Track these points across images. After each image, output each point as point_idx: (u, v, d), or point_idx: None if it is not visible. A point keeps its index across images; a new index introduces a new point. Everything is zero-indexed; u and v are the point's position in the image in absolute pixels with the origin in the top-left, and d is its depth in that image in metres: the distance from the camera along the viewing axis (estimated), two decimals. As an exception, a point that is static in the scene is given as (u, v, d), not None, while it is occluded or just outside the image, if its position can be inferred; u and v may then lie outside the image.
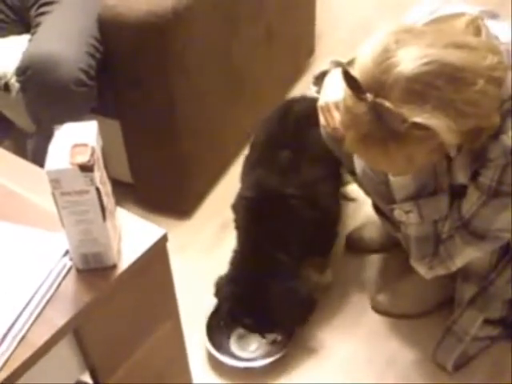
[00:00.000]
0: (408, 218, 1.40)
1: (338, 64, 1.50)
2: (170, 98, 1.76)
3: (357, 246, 1.85)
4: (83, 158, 0.94)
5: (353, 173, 1.77)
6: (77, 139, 0.97)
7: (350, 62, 1.34)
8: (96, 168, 0.95)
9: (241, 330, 1.67)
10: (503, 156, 1.21)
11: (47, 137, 1.75)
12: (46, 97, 1.63)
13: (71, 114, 1.67)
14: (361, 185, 1.63)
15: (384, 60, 1.10)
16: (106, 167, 1.02)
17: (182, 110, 1.80)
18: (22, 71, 1.63)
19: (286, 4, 2.14)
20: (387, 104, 1.09)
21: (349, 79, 1.13)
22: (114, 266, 1.04)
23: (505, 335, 1.59)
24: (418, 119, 1.09)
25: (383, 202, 1.49)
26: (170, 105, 1.77)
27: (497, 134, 1.21)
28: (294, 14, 2.21)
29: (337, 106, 1.46)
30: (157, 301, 1.17)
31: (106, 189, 1.01)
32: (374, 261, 1.83)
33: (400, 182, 1.38)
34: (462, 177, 1.32)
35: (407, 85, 1.09)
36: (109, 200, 1.02)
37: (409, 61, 1.09)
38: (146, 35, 1.65)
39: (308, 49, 2.40)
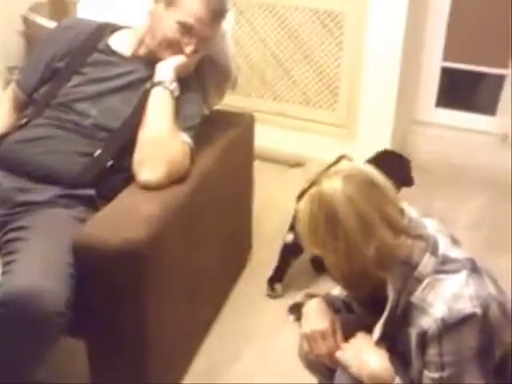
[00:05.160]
0: None
1: (310, 296, 1.63)
2: (140, 319, 1.77)
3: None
4: None
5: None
6: None
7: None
8: None
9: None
10: (435, 326, 1.32)
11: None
12: (20, 331, 1.56)
13: (43, 344, 1.63)
14: None
15: None
16: None
17: (152, 331, 1.81)
18: None
19: (230, 212, 2.32)
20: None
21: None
22: None
23: None
24: (316, 251, 1.42)
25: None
26: (141, 326, 1.78)
27: (424, 307, 1.36)
28: (236, 218, 2.37)
29: (323, 336, 1.55)
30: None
31: None
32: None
33: None
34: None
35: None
36: None
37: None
38: (122, 262, 1.67)
39: (247, 244, 2.55)
